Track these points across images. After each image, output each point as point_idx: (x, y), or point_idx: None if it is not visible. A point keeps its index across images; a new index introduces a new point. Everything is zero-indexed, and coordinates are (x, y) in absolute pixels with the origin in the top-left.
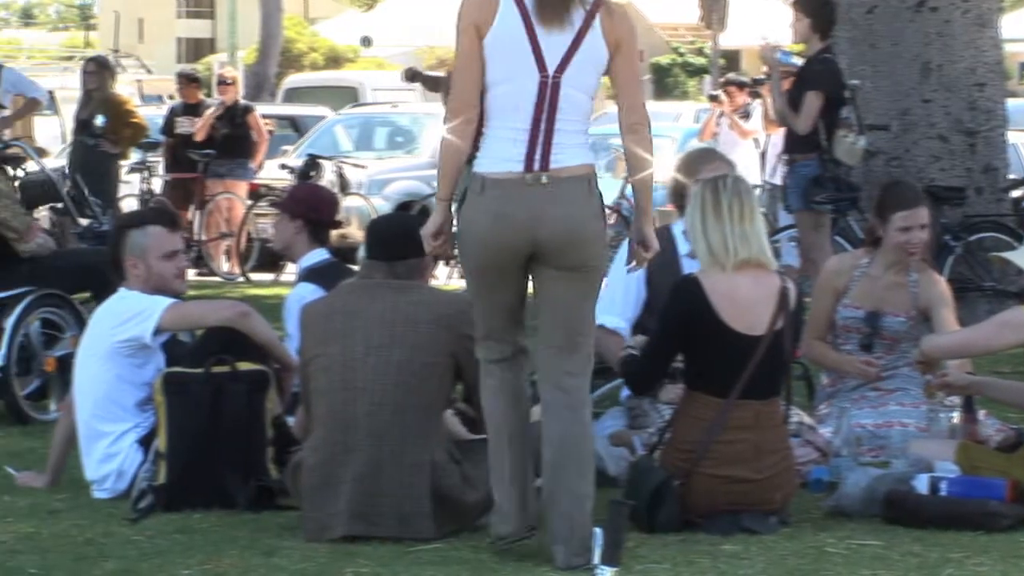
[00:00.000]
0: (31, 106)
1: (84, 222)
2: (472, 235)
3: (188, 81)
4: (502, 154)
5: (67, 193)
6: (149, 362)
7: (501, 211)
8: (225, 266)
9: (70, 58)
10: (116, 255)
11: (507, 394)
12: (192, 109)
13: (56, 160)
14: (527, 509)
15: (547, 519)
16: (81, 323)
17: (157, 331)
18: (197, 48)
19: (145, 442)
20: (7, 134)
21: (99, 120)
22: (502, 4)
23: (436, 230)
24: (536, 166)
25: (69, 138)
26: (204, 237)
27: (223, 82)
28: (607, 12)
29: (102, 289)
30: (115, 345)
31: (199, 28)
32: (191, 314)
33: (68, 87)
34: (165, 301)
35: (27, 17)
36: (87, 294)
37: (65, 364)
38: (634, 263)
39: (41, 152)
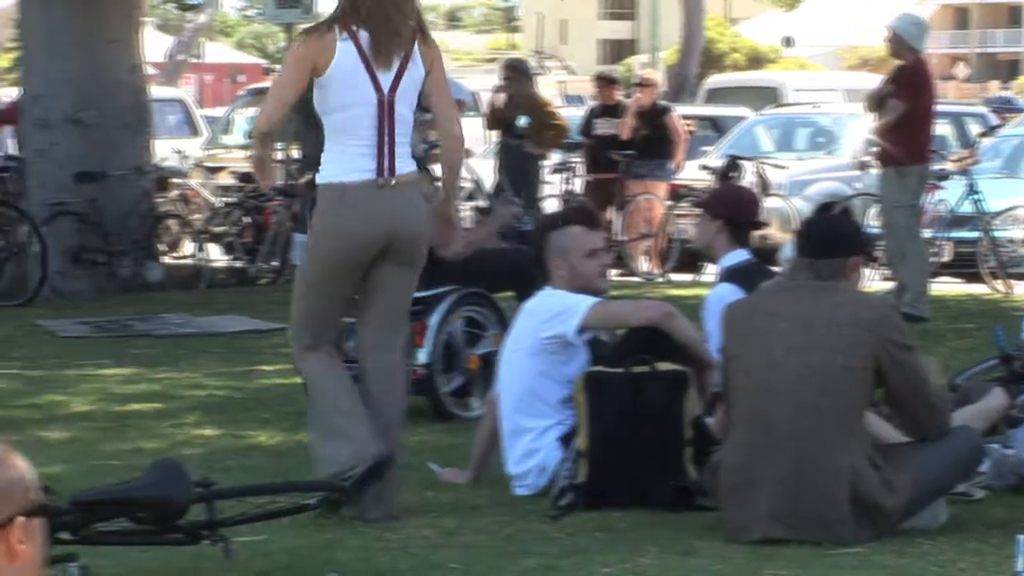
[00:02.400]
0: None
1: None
2: (337, 234)
3: (606, 82)
4: (354, 165)
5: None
6: (573, 359)
7: (366, 211)
8: (645, 266)
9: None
10: (539, 255)
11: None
12: (610, 110)
13: (480, 161)
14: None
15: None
16: (503, 322)
17: (581, 329)
18: (618, 49)
19: (566, 439)
20: (432, 136)
21: (522, 121)
22: (339, 45)
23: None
24: (386, 173)
25: (492, 139)
26: (625, 237)
27: (641, 83)
28: (422, 39)
29: (524, 288)
30: (540, 342)
31: (620, 29)
32: (614, 313)
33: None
34: (589, 300)
35: (453, 20)
36: (509, 293)
37: (488, 362)
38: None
39: (465, 153)
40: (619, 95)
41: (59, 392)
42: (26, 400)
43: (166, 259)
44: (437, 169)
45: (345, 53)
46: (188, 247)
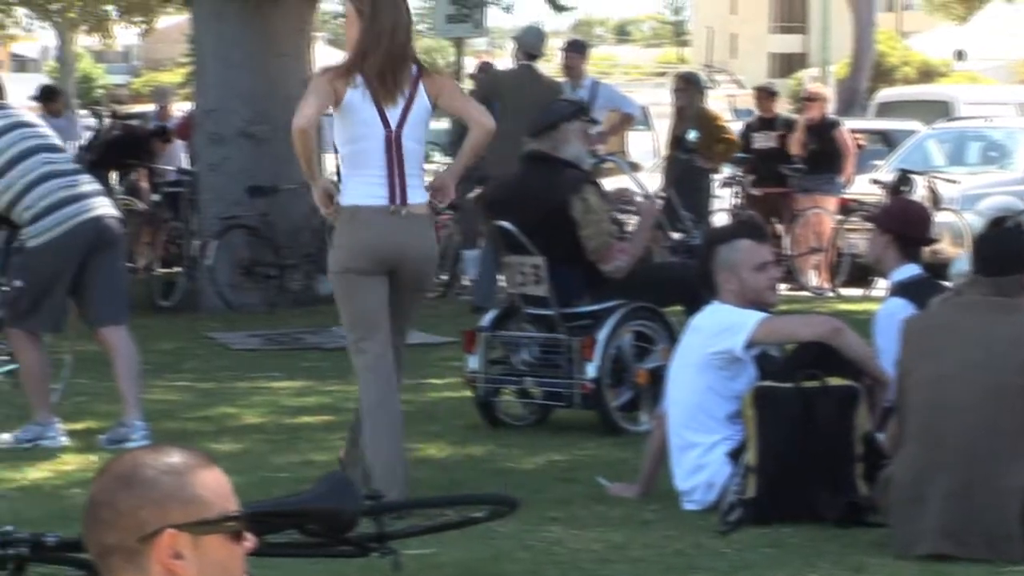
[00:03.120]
0: (625, 121)
1: (676, 236)
2: (352, 248)
3: (766, 95)
4: (368, 192)
5: (661, 207)
6: (741, 375)
7: (378, 230)
8: (814, 280)
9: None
10: (707, 269)
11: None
12: (767, 123)
13: (648, 175)
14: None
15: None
16: (672, 336)
17: (749, 344)
18: (788, 63)
19: (735, 455)
20: (601, 149)
21: (691, 135)
22: (351, 85)
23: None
24: (397, 201)
25: (662, 153)
26: (794, 252)
27: (810, 97)
28: (426, 75)
29: (693, 302)
30: (708, 356)
31: (791, 43)
32: (783, 328)
33: (661, 103)
34: (757, 315)
35: (622, 34)
36: (678, 307)
37: (656, 376)
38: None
39: (634, 167)
40: (777, 108)
41: (230, 404)
42: (198, 412)
43: None
44: (604, 182)
45: (356, 92)
46: None
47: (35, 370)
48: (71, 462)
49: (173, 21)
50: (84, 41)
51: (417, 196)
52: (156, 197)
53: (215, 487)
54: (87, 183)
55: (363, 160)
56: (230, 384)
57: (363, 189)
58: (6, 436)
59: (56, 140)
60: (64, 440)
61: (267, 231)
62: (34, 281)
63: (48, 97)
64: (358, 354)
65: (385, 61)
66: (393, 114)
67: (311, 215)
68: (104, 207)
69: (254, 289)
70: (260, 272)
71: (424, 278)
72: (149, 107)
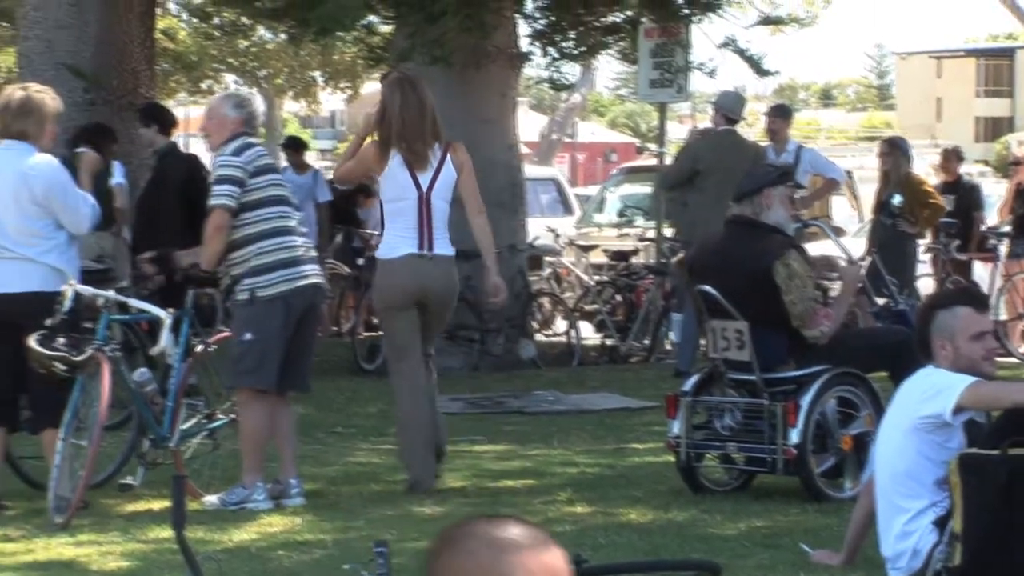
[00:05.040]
0: (829, 187)
1: (880, 301)
2: (386, 288)
3: (952, 158)
4: (403, 243)
5: (865, 272)
6: (950, 440)
7: (407, 273)
8: (1023, 347)
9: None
10: (923, 335)
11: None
12: (950, 188)
13: (853, 240)
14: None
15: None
16: (876, 402)
17: (957, 409)
18: (995, 127)
19: (941, 523)
20: (805, 214)
21: (896, 200)
22: (392, 156)
23: None
24: (425, 249)
25: (867, 217)
26: (1004, 317)
27: (1017, 162)
28: (453, 150)
29: (899, 368)
30: (917, 421)
31: (997, 107)
32: (989, 394)
33: (866, 167)
34: (967, 379)
35: (826, 98)
36: (882, 373)
37: (861, 443)
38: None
39: (838, 231)
40: (959, 171)
41: None
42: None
43: (539, 336)
44: (808, 247)
45: (395, 161)
46: (560, 325)
47: (256, 432)
48: (276, 524)
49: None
50: (290, 107)
51: (443, 247)
52: (360, 261)
53: (538, 572)
54: (310, 247)
55: (399, 216)
56: None
57: (398, 240)
58: (212, 498)
59: (291, 196)
60: (270, 503)
61: (470, 295)
62: (262, 335)
63: (294, 147)
64: (396, 374)
65: (415, 138)
66: (424, 179)
67: (514, 278)
68: (317, 276)
69: (457, 353)
70: (463, 336)
71: (445, 309)
72: None
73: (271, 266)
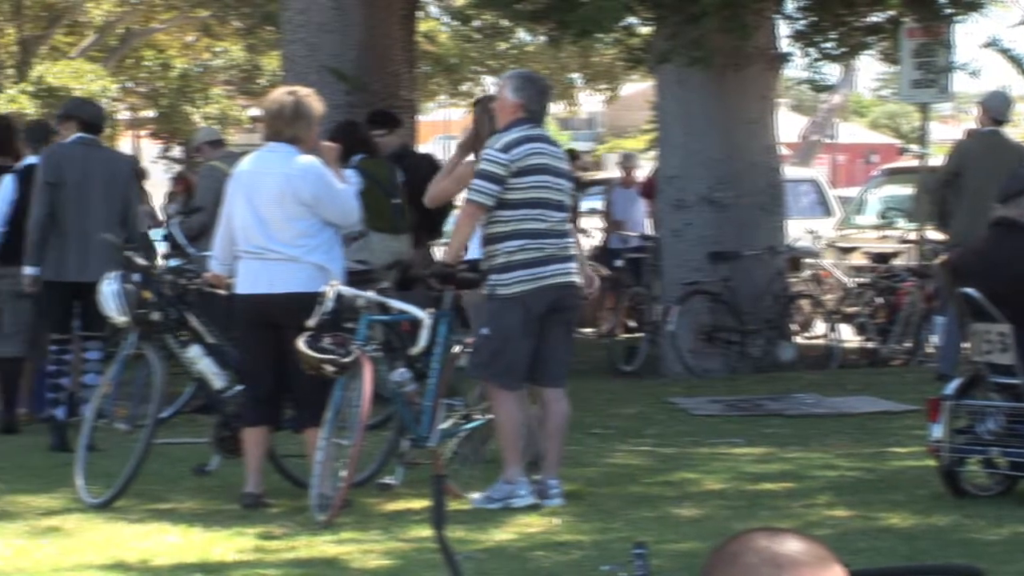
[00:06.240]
0: None
1: None
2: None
3: None
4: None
5: None
6: None
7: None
8: None
9: None
10: None
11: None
12: None
13: None
14: None
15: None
16: None
17: None
18: None
19: None
20: None
21: None
22: None
23: None
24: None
25: None
26: None
27: None
28: None
29: None
30: None
31: None
32: None
33: None
34: None
35: None
36: None
37: None
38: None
39: None
40: None
41: (691, 470)
42: (660, 477)
43: (798, 339)
44: None
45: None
46: (820, 327)
47: (508, 426)
48: (536, 524)
49: (637, 88)
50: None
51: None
52: (619, 263)
53: None
54: (566, 247)
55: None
56: (691, 449)
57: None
58: (477, 496)
59: (563, 198)
60: (534, 499)
61: (728, 296)
62: (499, 332)
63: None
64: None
65: None
66: None
67: (773, 280)
68: (566, 275)
69: (715, 354)
70: (721, 338)
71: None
72: (613, 174)
73: (512, 266)
